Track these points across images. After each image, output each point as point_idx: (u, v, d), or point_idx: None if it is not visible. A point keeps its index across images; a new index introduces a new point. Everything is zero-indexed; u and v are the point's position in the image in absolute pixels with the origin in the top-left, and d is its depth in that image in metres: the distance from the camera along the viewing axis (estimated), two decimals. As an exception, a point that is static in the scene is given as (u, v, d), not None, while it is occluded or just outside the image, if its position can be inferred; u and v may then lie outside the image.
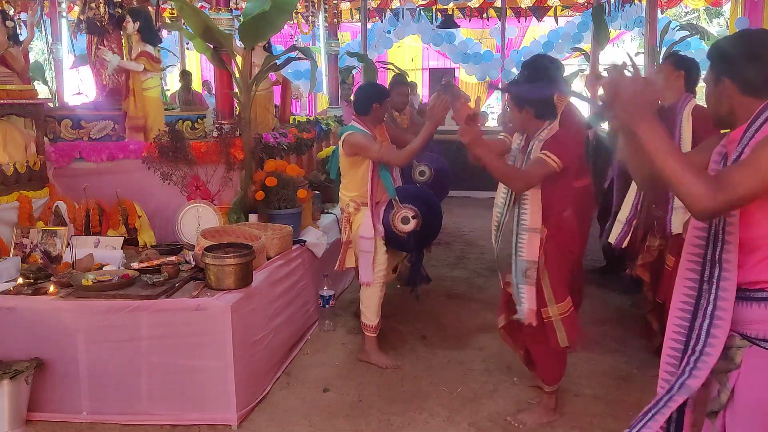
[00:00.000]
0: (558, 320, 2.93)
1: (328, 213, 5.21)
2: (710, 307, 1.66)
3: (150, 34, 4.58)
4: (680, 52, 4.42)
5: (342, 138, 3.82)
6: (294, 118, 6.98)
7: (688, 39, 10.16)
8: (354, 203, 3.87)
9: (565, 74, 4.45)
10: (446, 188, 5.69)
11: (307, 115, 8.05)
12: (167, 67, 10.00)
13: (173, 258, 3.56)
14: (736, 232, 1.63)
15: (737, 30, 2.06)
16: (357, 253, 3.89)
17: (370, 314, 3.86)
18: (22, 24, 6.49)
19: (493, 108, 15.44)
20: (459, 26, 12.81)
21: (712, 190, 1.47)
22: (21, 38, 4.47)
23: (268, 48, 5.50)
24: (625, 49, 15.86)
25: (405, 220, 3.73)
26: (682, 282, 1.75)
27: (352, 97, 8.09)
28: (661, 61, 4.24)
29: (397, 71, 7.10)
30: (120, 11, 4.75)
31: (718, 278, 1.65)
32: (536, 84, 3.04)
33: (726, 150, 1.71)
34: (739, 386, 1.66)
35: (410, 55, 15.04)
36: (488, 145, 2.81)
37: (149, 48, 4.55)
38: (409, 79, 8.03)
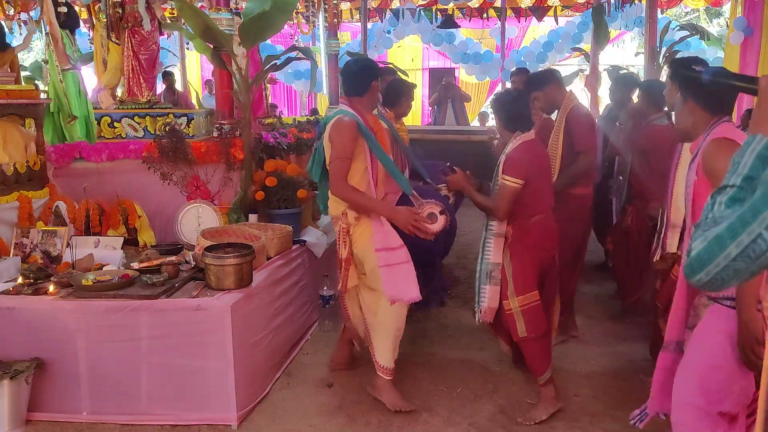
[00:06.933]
0: (518, 311, 3.11)
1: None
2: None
3: None
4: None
5: (330, 125, 3.07)
6: (294, 118, 6.99)
7: (688, 39, 10.16)
8: (353, 211, 3.13)
9: (564, 75, 4.40)
10: (453, 237, 4.64)
11: (306, 115, 8.05)
12: (169, 66, 10.03)
13: (173, 258, 3.56)
14: None
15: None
16: (374, 271, 3.12)
17: (388, 350, 3.20)
18: (22, 24, 6.48)
19: (493, 108, 15.42)
20: (459, 26, 12.81)
21: None
22: (21, 36, 4.47)
23: None
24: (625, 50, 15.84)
25: (432, 217, 3.01)
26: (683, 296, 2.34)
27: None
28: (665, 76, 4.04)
29: (397, 71, 7.07)
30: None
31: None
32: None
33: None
34: (696, 329, 2.32)
35: (410, 55, 15.04)
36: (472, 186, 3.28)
37: None
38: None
